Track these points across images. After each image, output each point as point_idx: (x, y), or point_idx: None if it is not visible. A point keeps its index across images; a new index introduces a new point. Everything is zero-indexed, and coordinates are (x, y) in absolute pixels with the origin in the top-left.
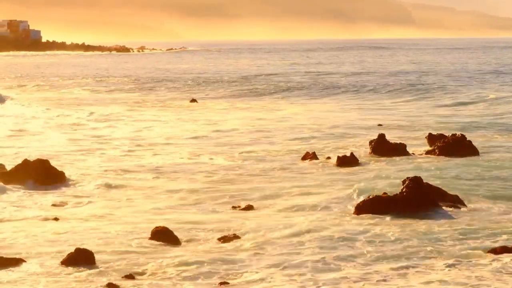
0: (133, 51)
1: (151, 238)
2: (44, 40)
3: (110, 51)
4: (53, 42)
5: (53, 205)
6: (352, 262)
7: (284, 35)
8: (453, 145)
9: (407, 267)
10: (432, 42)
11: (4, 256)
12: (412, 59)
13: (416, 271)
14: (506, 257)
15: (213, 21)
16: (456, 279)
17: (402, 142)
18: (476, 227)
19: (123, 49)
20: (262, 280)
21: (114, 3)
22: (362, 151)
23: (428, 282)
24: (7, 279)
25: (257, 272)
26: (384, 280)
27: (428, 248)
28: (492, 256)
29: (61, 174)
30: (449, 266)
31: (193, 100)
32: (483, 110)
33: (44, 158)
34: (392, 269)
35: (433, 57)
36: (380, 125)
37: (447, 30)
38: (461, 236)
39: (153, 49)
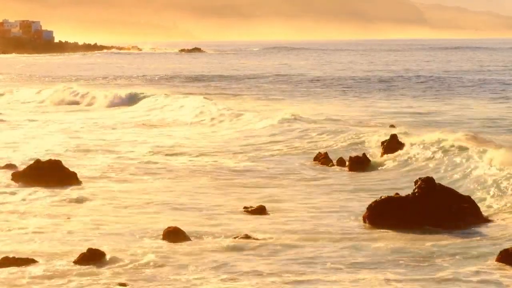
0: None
1: (163, 238)
2: (56, 40)
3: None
4: (66, 42)
5: (65, 205)
6: None
7: (301, 35)
8: None
9: None
10: None
11: (16, 256)
12: None
13: None
14: None
15: (228, 21)
16: None
17: None
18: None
19: (135, 49)
20: None
21: (131, 3)
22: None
23: None
24: (19, 279)
25: None
26: None
27: None
28: None
29: (73, 174)
30: None
31: None
32: None
33: (56, 159)
34: None
35: None
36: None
37: (462, 31)
38: None
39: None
